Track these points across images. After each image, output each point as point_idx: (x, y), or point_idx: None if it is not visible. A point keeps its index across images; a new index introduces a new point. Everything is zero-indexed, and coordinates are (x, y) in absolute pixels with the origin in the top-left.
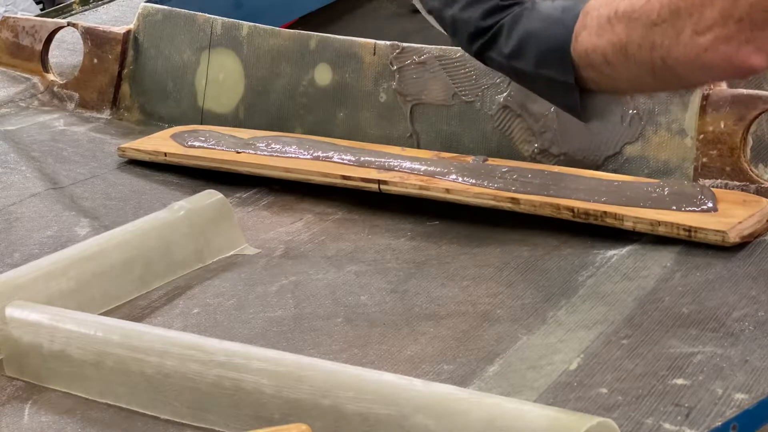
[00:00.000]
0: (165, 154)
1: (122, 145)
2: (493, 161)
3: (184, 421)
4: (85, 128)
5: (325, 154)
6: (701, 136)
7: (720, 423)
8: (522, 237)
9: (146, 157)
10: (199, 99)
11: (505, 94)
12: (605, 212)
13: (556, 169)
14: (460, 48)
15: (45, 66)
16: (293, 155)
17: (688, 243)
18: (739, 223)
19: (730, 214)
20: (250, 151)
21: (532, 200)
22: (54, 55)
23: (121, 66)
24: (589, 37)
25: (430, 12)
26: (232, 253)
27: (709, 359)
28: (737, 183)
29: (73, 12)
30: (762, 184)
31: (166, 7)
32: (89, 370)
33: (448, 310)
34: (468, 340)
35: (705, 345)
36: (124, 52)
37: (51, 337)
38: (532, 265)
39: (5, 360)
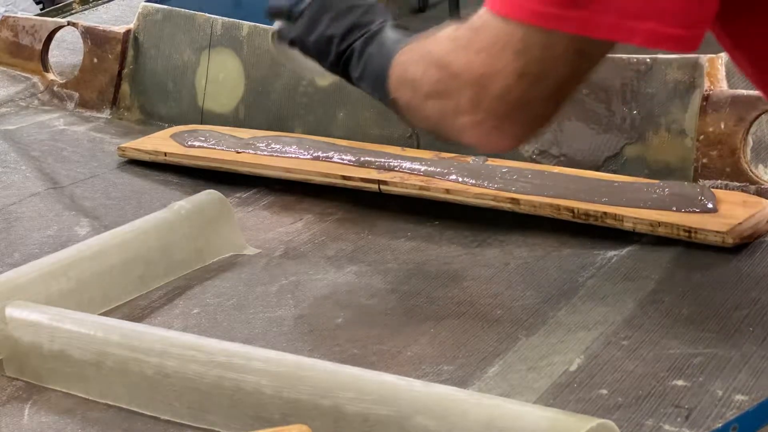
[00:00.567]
0: (165, 154)
1: (122, 145)
2: (493, 161)
3: (184, 422)
4: (85, 128)
5: (325, 154)
6: (701, 136)
7: (720, 424)
8: (522, 237)
9: (146, 157)
10: (199, 99)
11: None
12: (605, 213)
13: (556, 169)
14: None
15: (45, 65)
16: (293, 155)
17: (688, 244)
18: (739, 223)
19: (730, 215)
20: (250, 151)
21: (532, 200)
22: (54, 55)
23: (121, 66)
24: (394, 76)
25: (293, 43)
26: (232, 253)
27: (709, 360)
28: (737, 184)
29: (73, 11)
30: (762, 185)
31: (166, 6)
32: (89, 370)
33: (448, 310)
34: (468, 341)
35: (705, 346)
36: (124, 52)
37: (51, 337)
38: (532, 266)
39: (5, 360)
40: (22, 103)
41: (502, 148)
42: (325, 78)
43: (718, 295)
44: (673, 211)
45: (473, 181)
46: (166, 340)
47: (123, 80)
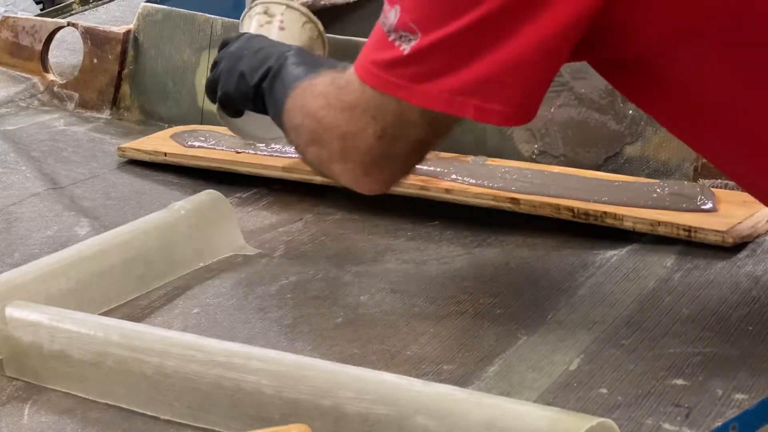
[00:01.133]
0: (165, 154)
1: (122, 145)
2: (492, 161)
3: (184, 422)
4: (85, 128)
5: None
6: None
7: (720, 423)
8: (522, 237)
9: (146, 157)
10: (199, 99)
11: None
12: (605, 212)
13: (556, 169)
14: None
15: (45, 66)
16: (293, 155)
17: (688, 243)
18: (739, 223)
19: (730, 215)
20: (250, 151)
21: (532, 200)
22: (54, 55)
23: (121, 66)
24: (285, 120)
25: (224, 106)
26: (232, 253)
27: (709, 359)
28: (737, 183)
29: (73, 12)
30: None
31: (166, 6)
32: (89, 370)
33: (448, 310)
34: (468, 340)
35: (705, 345)
36: (124, 52)
37: (51, 337)
38: (532, 265)
39: (5, 360)
40: (22, 104)
41: (375, 191)
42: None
43: (718, 295)
44: (673, 210)
45: (473, 181)
46: (166, 340)
47: (123, 80)
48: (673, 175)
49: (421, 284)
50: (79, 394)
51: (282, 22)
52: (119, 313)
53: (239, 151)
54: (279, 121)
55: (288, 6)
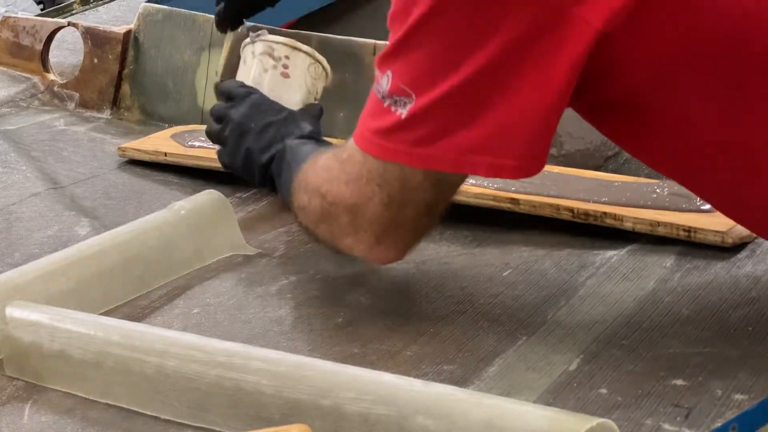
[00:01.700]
0: (165, 154)
1: (122, 145)
2: None
3: (184, 422)
4: (85, 128)
5: None
6: None
7: (720, 424)
8: (522, 237)
9: (146, 157)
10: (199, 99)
11: None
12: (605, 212)
13: (556, 169)
14: None
15: (45, 66)
16: None
17: (688, 243)
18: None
19: None
20: None
21: (531, 200)
22: (54, 55)
23: (122, 66)
24: (294, 203)
25: (226, 167)
26: (232, 253)
27: (708, 360)
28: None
29: (73, 12)
30: None
31: (166, 6)
32: (89, 370)
33: (448, 310)
34: (467, 341)
35: (705, 345)
36: (124, 52)
37: (51, 337)
38: (532, 266)
39: (5, 360)
40: (22, 104)
41: (391, 259)
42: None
43: (717, 295)
44: (673, 210)
45: (473, 181)
46: (166, 340)
47: (123, 80)
48: None
49: (421, 284)
50: (80, 394)
51: (286, 68)
52: (119, 313)
53: None
54: (288, 202)
55: (294, 48)
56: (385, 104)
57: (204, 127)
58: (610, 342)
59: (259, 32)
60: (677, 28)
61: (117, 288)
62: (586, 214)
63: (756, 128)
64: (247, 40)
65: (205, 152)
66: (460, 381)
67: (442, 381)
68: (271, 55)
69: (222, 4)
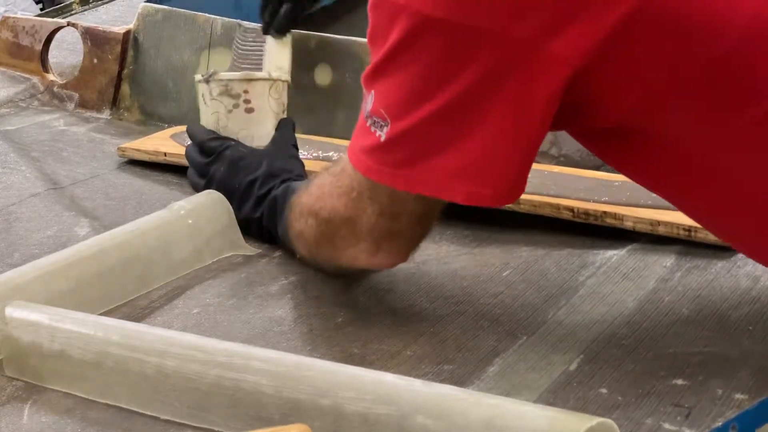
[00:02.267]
0: (165, 154)
1: (122, 145)
2: None
3: (184, 422)
4: (85, 128)
5: (325, 154)
6: None
7: (720, 423)
8: (522, 237)
9: (146, 157)
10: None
11: None
12: (605, 212)
13: (556, 169)
14: None
15: (45, 66)
16: None
17: (688, 243)
18: None
19: None
20: None
21: (532, 200)
22: (54, 55)
23: (121, 66)
24: (292, 237)
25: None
26: (232, 253)
27: (708, 359)
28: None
29: (72, 12)
30: None
31: (166, 7)
32: (89, 370)
33: (448, 309)
34: (468, 340)
35: (705, 345)
36: (124, 52)
37: (51, 337)
38: (532, 265)
39: (5, 360)
40: (22, 104)
41: (393, 264)
42: (325, 78)
43: (718, 294)
44: (673, 210)
45: None
46: (166, 340)
47: (123, 81)
48: None
49: (421, 284)
50: (79, 394)
51: (248, 102)
52: (119, 313)
53: None
54: (288, 242)
55: (249, 80)
56: (367, 124)
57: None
58: (611, 341)
59: (211, 72)
60: (664, 56)
61: (117, 288)
62: (587, 213)
63: (750, 154)
64: (199, 77)
65: None
66: (460, 381)
67: (442, 381)
68: (229, 94)
69: (286, 6)
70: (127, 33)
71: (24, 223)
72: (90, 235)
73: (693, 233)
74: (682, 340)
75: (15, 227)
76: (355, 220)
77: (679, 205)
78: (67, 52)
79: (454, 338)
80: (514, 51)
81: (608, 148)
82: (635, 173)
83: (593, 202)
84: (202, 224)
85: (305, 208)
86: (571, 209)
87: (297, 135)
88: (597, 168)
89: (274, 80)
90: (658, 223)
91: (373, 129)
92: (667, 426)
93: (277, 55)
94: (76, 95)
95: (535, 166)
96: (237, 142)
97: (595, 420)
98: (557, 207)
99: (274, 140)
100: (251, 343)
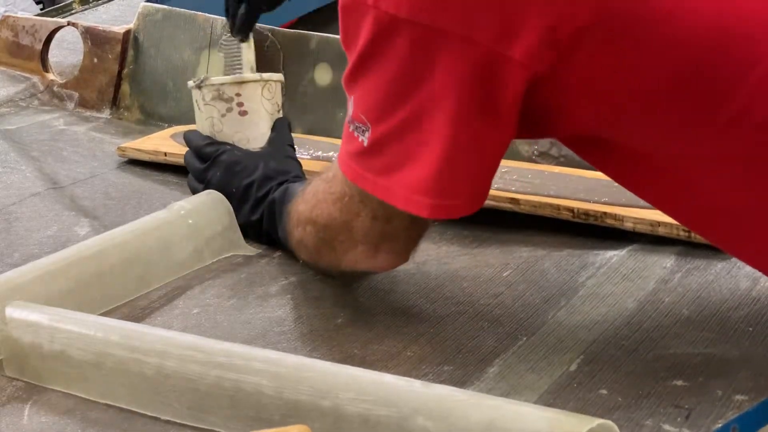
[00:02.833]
0: (165, 154)
1: (122, 145)
2: None
3: (184, 422)
4: (84, 128)
5: (325, 154)
6: None
7: (720, 424)
8: (522, 237)
9: (146, 157)
10: None
11: None
12: (605, 213)
13: (556, 169)
14: None
15: (45, 65)
16: None
17: (688, 243)
18: None
19: None
20: None
21: (532, 200)
22: (54, 55)
23: (121, 65)
24: (292, 244)
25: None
26: (232, 253)
27: (709, 360)
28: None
29: (73, 11)
30: None
31: (166, 6)
32: (89, 370)
33: (448, 310)
34: (468, 341)
35: (705, 346)
36: (124, 52)
37: (51, 338)
38: (532, 266)
39: (5, 360)
40: (21, 103)
41: (395, 266)
42: (325, 78)
43: (718, 295)
44: None
45: None
46: (166, 341)
47: (123, 80)
48: None
49: (421, 284)
50: (79, 395)
51: (241, 105)
52: (119, 314)
53: None
54: (289, 246)
55: (240, 82)
56: (350, 129)
57: None
58: (611, 342)
59: (203, 78)
60: (627, 66)
61: (117, 288)
62: (587, 214)
63: (723, 158)
64: (191, 83)
65: None
66: (460, 382)
67: (442, 382)
68: (222, 98)
69: (243, 7)
70: (127, 32)
71: (24, 222)
72: (90, 234)
73: (693, 234)
74: (682, 341)
75: (15, 227)
76: (351, 224)
77: (661, 209)
78: (67, 51)
79: (454, 339)
80: (477, 54)
81: (585, 152)
82: (615, 177)
83: (593, 202)
84: (202, 224)
85: (303, 216)
86: (571, 210)
87: (297, 135)
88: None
89: (266, 81)
90: (658, 223)
91: (356, 134)
92: (667, 427)
93: (246, 55)
94: (76, 95)
95: (535, 166)
96: (233, 146)
97: (596, 421)
98: (557, 207)
99: (270, 141)
100: (251, 344)
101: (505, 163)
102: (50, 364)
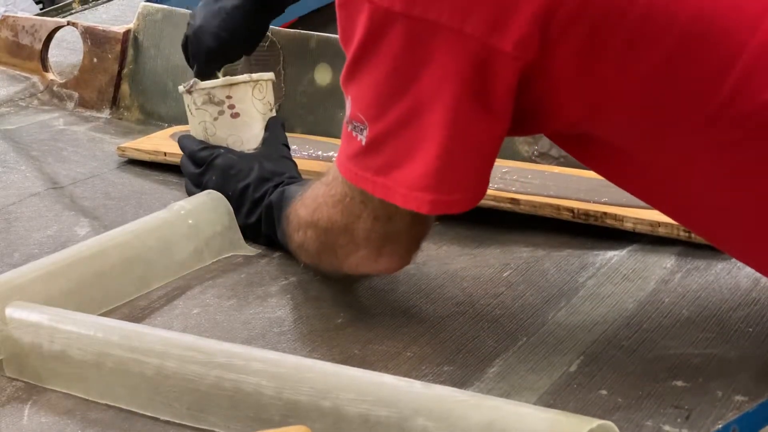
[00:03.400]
0: (165, 154)
1: (122, 145)
2: None
3: (184, 423)
4: (84, 128)
5: (325, 154)
6: None
7: (720, 425)
8: (522, 238)
9: (146, 157)
10: None
11: None
12: (605, 213)
13: (556, 169)
14: None
15: (44, 65)
16: (293, 155)
17: (688, 244)
18: None
19: None
20: None
21: (532, 201)
22: (54, 55)
23: (121, 65)
24: (293, 247)
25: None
26: (232, 253)
27: (709, 361)
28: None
29: (72, 11)
30: None
31: (166, 6)
32: (89, 370)
33: (448, 310)
34: (468, 341)
35: (705, 347)
36: (123, 52)
37: (51, 338)
38: (532, 266)
39: (5, 360)
40: (21, 103)
41: (397, 268)
42: (325, 78)
43: (718, 296)
44: None
45: None
46: (166, 341)
47: (123, 80)
48: None
49: (421, 285)
50: (79, 395)
51: (233, 108)
52: (119, 314)
53: None
54: (289, 248)
55: (230, 85)
56: (348, 129)
57: None
58: (611, 343)
59: (192, 82)
60: (607, 61)
61: (117, 288)
62: (587, 214)
63: (706, 158)
64: (182, 88)
65: None
66: (460, 382)
67: (442, 382)
68: (212, 102)
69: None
70: (127, 32)
71: (24, 222)
72: (90, 235)
73: (693, 235)
74: (682, 341)
75: (15, 227)
76: (352, 226)
77: (654, 206)
78: (67, 51)
79: (454, 339)
80: (469, 48)
81: (575, 149)
82: (605, 174)
83: (593, 202)
84: (202, 224)
85: (303, 221)
86: (571, 210)
87: (297, 135)
88: None
89: (256, 81)
90: (659, 224)
91: (354, 134)
92: (667, 428)
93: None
94: (75, 94)
95: (535, 166)
96: (227, 149)
97: (596, 422)
98: (557, 208)
99: (264, 141)
100: (251, 344)
101: (505, 163)
102: (50, 364)
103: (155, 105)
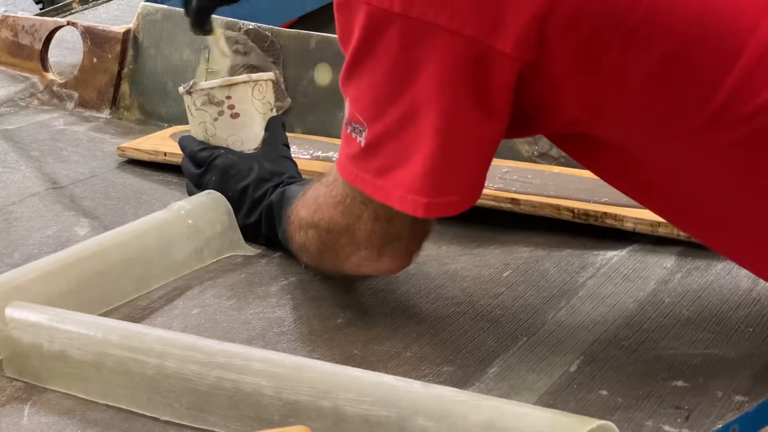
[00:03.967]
0: (165, 154)
1: (122, 145)
2: (492, 162)
3: (184, 423)
4: (84, 127)
5: (325, 154)
6: None
7: (720, 425)
8: (522, 238)
9: (146, 157)
10: None
11: None
12: (605, 213)
13: (556, 169)
14: None
15: (44, 65)
16: (293, 155)
17: (689, 244)
18: None
19: None
20: None
21: (532, 201)
22: (53, 55)
23: (121, 65)
24: (294, 247)
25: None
26: (232, 253)
27: (709, 361)
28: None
29: (72, 11)
30: None
31: (165, 6)
32: (89, 370)
33: (448, 310)
34: (468, 342)
35: (705, 347)
36: (123, 52)
37: (51, 338)
38: (532, 266)
39: (5, 360)
40: (21, 103)
41: (398, 269)
42: (325, 78)
43: (718, 296)
44: None
45: None
46: (165, 341)
47: (123, 80)
48: None
49: (421, 285)
50: (79, 395)
51: (232, 108)
52: (119, 314)
53: None
54: (290, 248)
55: (230, 85)
56: (348, 130)
57: None
58: (611, 343)
59: (192, 83)
60: (606, 61)
61: (117, 288)
62: (587, 214)
63: (703, 160)
64: (181, 89)
65: None
66: (460, 382)
67: (442, 382)
68: (212, 102)
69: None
70: (127, 32)
71: (24, 222)
72: (90, 234)
73: None
74: (682, 341)
75: (15, 227)
76: (353, 227)
77: (653, 210)
78: (67, 51)
79: (454, 339)
80: (466, 49)
81: (574, 150)
82: (604, 176)
83: (593, 202)
84: (202, 224)
85: (304, 221)
86: (571, 210)
87: (297, 135)
88: None
89: (256, 81)
90: (659, 224)
91: (353, 135)
92: (667, 428)
93: (217, 47)
94: (75, 94)
95: (535, 166)
96: (227, 149)
97: (596, 422)
98: (557, 208)
99: (264, 141)
100: (251, 344)
101: (505, 163)
102: (50, 364)
103: (155, 105)
